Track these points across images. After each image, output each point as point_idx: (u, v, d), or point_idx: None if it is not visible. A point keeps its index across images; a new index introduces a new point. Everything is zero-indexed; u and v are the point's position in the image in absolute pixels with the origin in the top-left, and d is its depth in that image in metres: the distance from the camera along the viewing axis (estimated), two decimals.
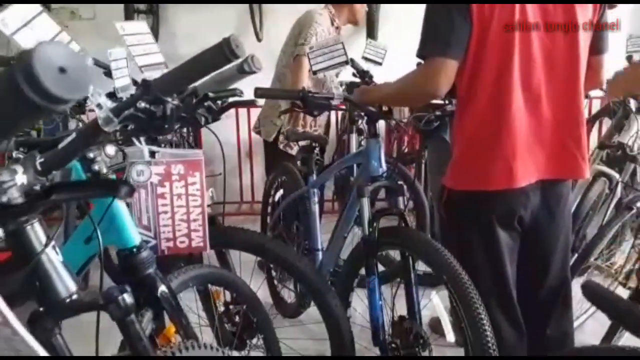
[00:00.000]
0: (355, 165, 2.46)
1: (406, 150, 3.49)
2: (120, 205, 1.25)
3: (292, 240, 2.71)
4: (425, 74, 1.51)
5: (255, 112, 3.49)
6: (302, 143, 2.59)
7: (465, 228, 1.65)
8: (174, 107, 0.95)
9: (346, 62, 1.84)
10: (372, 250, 1.75)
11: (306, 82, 2.72)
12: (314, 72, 1.87)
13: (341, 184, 3.17)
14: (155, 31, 4.15)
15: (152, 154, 1.31)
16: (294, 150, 2.94)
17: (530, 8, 1.50)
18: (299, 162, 2.60)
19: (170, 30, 4.43)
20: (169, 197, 1.32)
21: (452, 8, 1.46)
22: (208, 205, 1.82)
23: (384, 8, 4.24)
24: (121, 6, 4.03)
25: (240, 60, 1.11)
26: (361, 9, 3.08)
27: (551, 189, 1.65)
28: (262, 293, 1.79)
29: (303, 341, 2.10)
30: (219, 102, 1.27)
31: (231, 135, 4.34)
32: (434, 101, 1.94)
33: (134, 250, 1.25)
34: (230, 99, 1.32)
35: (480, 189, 1.59)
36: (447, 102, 1.90)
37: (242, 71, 1.08)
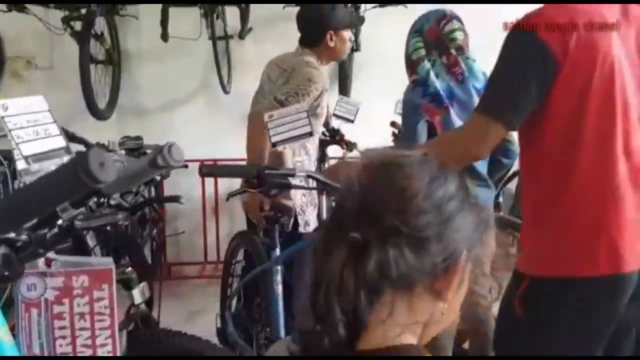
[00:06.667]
0: None
1: None
2: None
3: (253, 321, 2.39)
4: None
5: None
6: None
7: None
8: (8, 252, 0.66)
9: (310, 134, 1.57)
10: None
11: (267, 144, 2.18)
12: (273, 145, 1.60)
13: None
14: (116, 82, 3.90)
15: (47, 261, 1.02)
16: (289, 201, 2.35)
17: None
18: (261, 234, 2.31)
19: (134, 81, 4.16)
20: (69, 317, 1.01)
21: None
22: (139, 304, 1.52)
23: (358, 61, 4.04)
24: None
25: (153, 153, 0.84)
26: (347, 39, 2.38)
27: None
28: None
29: None
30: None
31: (195, 188, 4.02)
32: None
33: None
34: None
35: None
36: None
37: (156, 166, 0.81)
